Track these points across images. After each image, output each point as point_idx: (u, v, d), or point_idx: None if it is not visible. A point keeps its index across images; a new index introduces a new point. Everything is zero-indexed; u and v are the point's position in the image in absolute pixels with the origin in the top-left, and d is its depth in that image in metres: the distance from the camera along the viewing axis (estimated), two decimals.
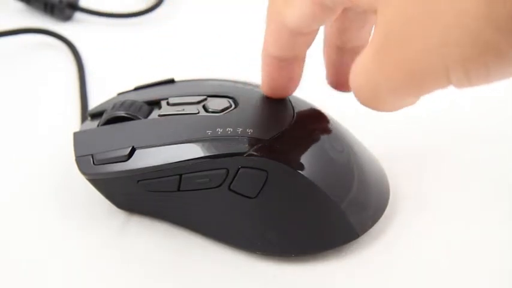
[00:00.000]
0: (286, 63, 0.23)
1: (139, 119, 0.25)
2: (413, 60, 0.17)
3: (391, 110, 0.19)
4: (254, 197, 0.22)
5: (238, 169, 0.22)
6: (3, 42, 0.36)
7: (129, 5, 0.40)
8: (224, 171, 0.22)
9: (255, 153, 0.22)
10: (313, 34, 0.23)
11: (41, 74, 0.34)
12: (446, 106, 0.30)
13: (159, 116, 0.24)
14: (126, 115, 0.25)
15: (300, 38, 0.22)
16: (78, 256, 0.24)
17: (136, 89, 0.28)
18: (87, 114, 0.28)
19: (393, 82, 0.18)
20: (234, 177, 0.22)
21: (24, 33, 0.36)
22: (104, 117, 0.25)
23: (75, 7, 0.38)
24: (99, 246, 0.24)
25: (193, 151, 0.22)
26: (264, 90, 0.25)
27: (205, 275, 0.23)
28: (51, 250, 0.24)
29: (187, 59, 0.36)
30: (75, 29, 0.38)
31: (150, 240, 0.24)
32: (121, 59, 0.36)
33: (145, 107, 0.25)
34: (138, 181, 0.23)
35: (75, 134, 0.25)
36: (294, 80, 0.24)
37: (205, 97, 0.25)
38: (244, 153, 0.22)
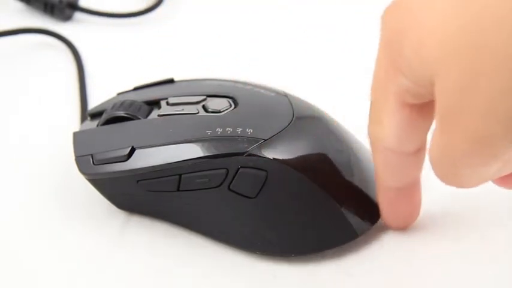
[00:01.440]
0: (402, 190, 0.23)
1: (138, 119, 0.25)
2: (476, 123, 0.16)
3: (472, 185, 0.19)
4: (254, 197, 0.22)
5: (238, 169, 0.22)
6: (3, 42, 0.36)
7: (129, 5, 0.40)
8: (224, 171, 0.22)
9: (254, 153, 0.22)
10: (421, 152, 0.22)
11: (41, 74, 0.34)
12: None
13: (159, 116, 0.24)
14: (125, 115, 0.25)
15: (409, 159, 0.21)
16: (78, 256, 0.24)
17: (136, 89, 0.28)
18: (86, 114, 0.28)
19: (462, 150, 0.17)
20: (234, 177, 0.22)
21: (24, 33, 0.36)
22: (104, 117, 0.25)
23: (75, 7, 0.38)
24: (99, 246, 0.24)
25: (192, 151, 0.22)
26: (388, 222, 0.23)
27: (205, 275, 0.23)
28: (50, 250, 0.24)
29: (187, 59, 0.36)
30: (75, 29, 0.38)
31: (150, 240, 0.24)
32: (121, 59, 0.36)
33: (145, 107, 0.25)
34: (138, 181, 0.23)
35: (75, 134, 0.25)
36: (413, 206, 0.24)
37: (204, 97, 0.25)
38: (243, 153, 0.22)
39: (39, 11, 0.39)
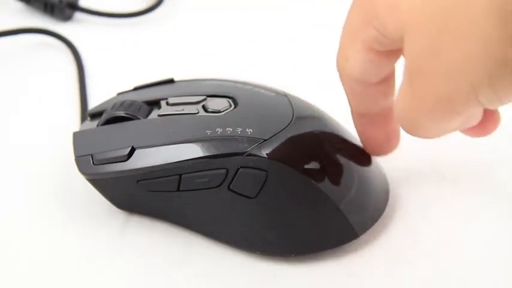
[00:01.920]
0: (375, 118, 0.24)
1: (138, 119, 0.25)
2: (442, 84, 0.18)
3: (434, 137, 0.20)
4: (254, 197, 0.22)
5: (238, 169, 0.22)
6: (3, 42, 0.36)
7: (129, 5, 0.40)
8: (224, 171, 0.22)
9: (254, 153, 0.22)
10: (388, 81, 0.23)
11: (41, 74, 0.34)
12: None
13: (159, 116, 0.24)
14: (125, 115, 0.25)
15: (375, 88, 0.23)
16: (78, 256, 0.24)
17: (136, 89, 0.28)
18: (86, 114, 0.28)
19: (427, 107, 0.19)
20: (234, 177, 0.22)
21: (24, 33, 0.36)
22: (104, 117, 0.25)
23: (75, 7, 0.38)
24: (99, 246, 0.24)
25: (192, 151, 0.22)
26: (365, 148, 0.25)
27: (205, 275, 0.23)
28: (50, 250, 0.24)
29: (187, 59, 0.36)
30: (75, 29, 0.38)
31: (150, 240, 0.24)
32: (121, 59, 0.36)
33: (145, 107, 0.25)
34: (138, 181, 0.23)
35: (75, 134, 0.25)
36: (389, 135, 0.25)
37: (204, 97, 0.25)
38: (243, 153, 0.22)
39: (39, 11, 0.39)
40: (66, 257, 0.24)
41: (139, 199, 0.24)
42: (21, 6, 0.39)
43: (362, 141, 0.25)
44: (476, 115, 0.20)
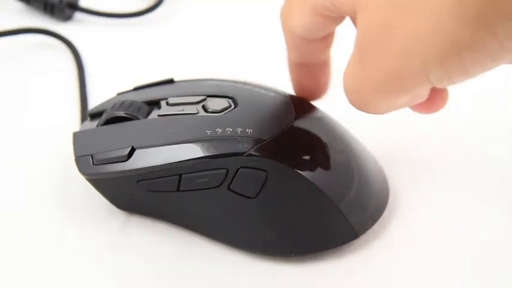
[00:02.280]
0: (310, 68, 0.24)
1: (138, 119, 0.25)
2: (392, 61, 0.17)
3: (381, 112, 0.20)
4: (254, 197, 0.22)
5: (238, 169, 0.22)
6: (3, 42, 0.36)
7: (129, 5, 0.40)
8: (224, 171, 0.22)
9: (254, 153, 0.22)
10: (328, 39, 0.23)
11: (41, 74, 0.34)
12: (446, 106, 0.30)
13: (159, 116, 0.24)
14: (125, 115, 0.25)
15: (314, 44, 0.23)
16: (77, 256, 0.24)
17: (136, 89, 0.28)
18: (86, 114, 0.28)
19: (376, 83, 0.18)
20: (234, 177, 0.22)
21: (24, 33, 0.36)
22: (104, 117, 0.25)
23: (75, 7, 0.38)
24: (99, 246, 0.24)
25: (192, 151, 0.22)
26: (296, 93, 0.26)
27: (205, 275, 0.23)
28: (50, 250, 0.24)
29: (187, 59, 0.36)
30: (75, 29, 0.38)
31: (150, 240, 0.24)
32: (121, 59, 0.36)
33: (145, 107, 0.25)
34: (138, 181, 0.23)
35: (75, 134, 0.25)
36: (320, 83, 0.25)
37: (204, 97, 0.25)
38: (243, 153, 0.22)
39: (39, 11, 0.39)
40: (66, 257, 0.24)
41: (139, 199, 0.24)
42: (21, 6, 0.39)
43: (294, 86, 0.25)
44: (424, 93, 0.19)
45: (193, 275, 0.23)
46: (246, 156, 0.22)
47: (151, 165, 0.23)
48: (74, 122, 0.30)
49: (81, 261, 0.23)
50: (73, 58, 0.35)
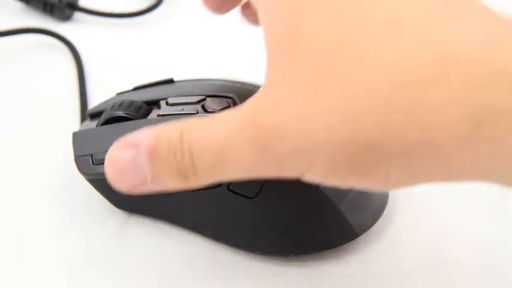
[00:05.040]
0: None
1: (138, 119, 0.25)
2: (284, 152, 0.17)
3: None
4: (253, 197, 0.22)
5: None
6: (3, 42, 0.35)
7: (129, 5, 0.40)
8: None
9: None
10: None
11: (40, 74, 0.34)
12: None
13: (158, 116, 0.24)
14: (124, 115, 0.25)
15: None
16: (78, 256, 0.24)
17: (136, 88, 0.28)
18: (86, 114, 0.28)
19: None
20: None
21: (23, 33, 0.36)
22: (103, 117, 0.25)
23: (74, 7, 0.38)
24: (99, 246, 0.24)
25: None
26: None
27: (205, 275, 0.23)
28: (51, 250, 0.24)
29: (187, 59, 0.35)
30: (74, 29, 0.37)
31: (150, 240, 0.24)
32: (121, 59, 0.36)
33: (145, 107, 0.25)
34: None
35: (74, 134, 0.25)
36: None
37: (204, 97, 0.25)
38: None
39: (39, 10, 0.38)
40: (66, 257, 0.24)
41: (139, 199, 0.24)
42: (20, 6, 0.39)
43: None
44: None
45: (193, 275, 0.23)
46: None
47: None
48: (73, 122, 0.30)
49: (81, 261, 0.23)
50: (72, 58, 0.35)
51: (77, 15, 0.39)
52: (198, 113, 0.24)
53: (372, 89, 0.16)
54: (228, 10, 0.25)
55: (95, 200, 0.25)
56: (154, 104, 0.25)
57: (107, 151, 0.23)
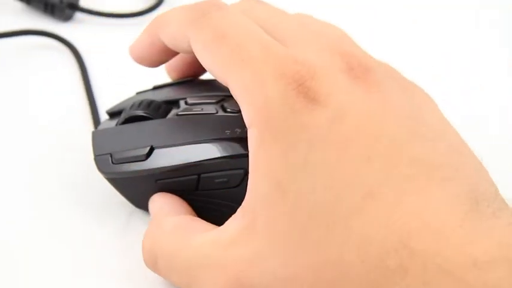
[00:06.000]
0: (169, 52, 0.25)
1: (157, 118, 0.24)
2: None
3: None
4: None
5: None
6: (4, 43, 0.35)
7: (130, 5, 0.39)
8: (242, 171, 0.22)
9: None
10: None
11: (43, 76, 0.34)
12: (447, 106, 0.30)
13: (178, 115, 0.24)
14: (144, 114, 0.25)
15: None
16: (82, 252, 0.24)
17: (155, 88, 0.27)
18: (97, 114, 0.28)
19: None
20: None
21: (24, 35, 0.36)
22: (123, 116, 0.25)
23: (75, 7, 0.38)
24: (103, 243, 0.24)
25: (211, 151, 0.22)
26: (133, 55, 0.26)
27: None
28: (56, 247, 0.24)
29: None
30: (75, 29, 0.37)
31: None
32: (122, 59, 0.35)
33: (164, 107, 0.25)
34: (157, 180, 0.23)
35: (94, 133, 0.26)
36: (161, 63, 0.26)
37: (223, 97, 0.24)
38: None
39: (40, 11, 0.38)
40: (70, 256, 0.24)
41: None
42: (21, 6, 0.39)
43: (137, 47, 0.26)
44: None
45: None
46: None
47: (170, 164, 0.23)
48: (78, 122, 0.30)
49: (83, 261, 0.23)
50: (75, 60, 0.35)
51: (78, 15, 0.39)
52: (217, 112, 0.23)
53: (340, 262, 0.17)
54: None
55: (94, 199, 0.26)
56: (173, 103, 0.25)
57: (126, 150, 0.23)
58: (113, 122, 0.26)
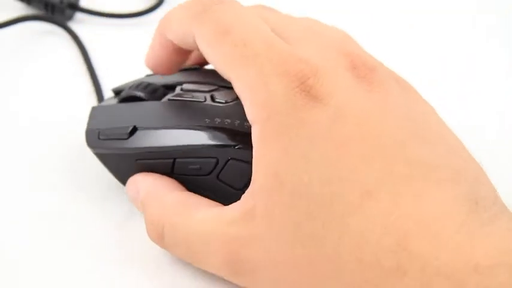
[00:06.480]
0: (181, 50, 0.25)
1: (152, 100, 0.25)
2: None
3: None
4: (240, 189, 0.22)
5: (228, 160, 0.22)
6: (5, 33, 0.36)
7: (130, 5, 0.40)
8: (214, 160, 0.22)
9: (245, 147, 0.22)
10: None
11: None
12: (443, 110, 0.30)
13: (169, 99, 0.25)
14: (138, 95, 0.25)
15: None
16: (84, 247, 0.25)
17: None
18: (111, 90, 0.29)
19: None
20: (223, 167, 0.22)
21: (25, 21, 0.36)
22: (121, 95, 0.26)
23: (75, 7, 0.38)
24: (98, 243, 0.25)
25: (187, 138, 0.23)
26: (149, 65, 0.27)
27: (204, 274, 0.23)
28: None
29: None
30: (75, 29, 0.38)
31: (149, 240, 0.24)
32: (122, 59, 0.36)
33: (161, 90, 0.26)
34: (136, 160, 0.24)
35: (93, 108, 0.27)
36: (180, 65, 0.27)
37: (217, 87, 0.25)
38: (235, 145, 0.22)
39: (40, 11, 0.39)
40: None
41: None
42: (21, 6, 0.39)
43: (152, 57, 0.27)
44: None
45: (193, 275, 0.23)
46: (236, 148, 0.22)
47: (147, 145, 0.23)
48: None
49: (80, 259, 0.24)
50: (75, 45, 0.35)
51: (78, 15, 0.39)
52: (205, 101, 0.24)
53: (335, 258, 0.18)
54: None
55: (93, 199, 0.26)
56: (171, 88, 0.26)
57: (112, 128, 0.24)
58: (115, 100, 0.27)
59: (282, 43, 0.21)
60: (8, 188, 0.27)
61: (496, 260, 0.16)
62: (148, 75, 0.28)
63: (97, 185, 0.27)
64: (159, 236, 0.22)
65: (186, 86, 0.25)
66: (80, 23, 0.39)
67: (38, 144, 0.29)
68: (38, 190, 0.27)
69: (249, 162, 0.21)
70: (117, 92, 0.28)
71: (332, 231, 0.18)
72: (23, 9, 0.39)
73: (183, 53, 0.25)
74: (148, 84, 0.26)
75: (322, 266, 0.18)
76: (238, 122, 0.22)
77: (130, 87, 0.26)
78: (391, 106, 0.20)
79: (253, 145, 0.20)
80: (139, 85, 0.26)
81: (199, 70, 0.28)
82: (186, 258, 0.22)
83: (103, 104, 0.27)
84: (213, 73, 0.26)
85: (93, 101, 0.32)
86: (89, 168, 0.27)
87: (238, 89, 0.21)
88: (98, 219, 0.25)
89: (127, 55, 0.36)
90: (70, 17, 0.39)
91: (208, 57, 0.22)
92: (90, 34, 0.37)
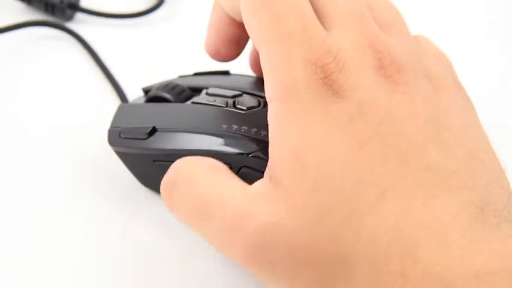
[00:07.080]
0: (236, 23, 0.24)
1: (177, 102, 0.25)
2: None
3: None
4: None
5: (240, 168, 0.22)
6: (8, 36, 0.36)
7: (131, 5, 0.40)
8: (227, 167, 0.22)
9: (259, 155, 0.22)
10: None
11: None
12: None
13: (192, 103, 0.25)
14: (164, 96, 0.26)
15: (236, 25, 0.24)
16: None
17: (196, 74, 0.29)
18: (141, 89, 0.29)
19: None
20: (236, 174, 0.22)
21: (30, 27, 0.36)
22: (149, 94, 0.27)
23: (76, 7, 0.38)
24: (100, 245, 0.24)
25: (203, 142, 0.23)
26: (208, 49, 0.25)
27: (205, 274, 0.23)
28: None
29: (189, 59, 0.35)
30: (76, 29, 0.38)
31: (150, 240, 0.24)
32: (123, 59, 0.36)
33: (187, 92, 0.26)
34: (154, 161, 0.24)
35: (120, 106, 0.27)
36: (239, 44, 0.25)
37: (241, 93, 0.25)
38: (249, 153, 0.22)
39: (40, 11, 0.39)
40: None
41: (156, 178, 0.24)
42: (21, 6, 0.39)
43: (211, 36, 0.25)
44: None
45: (193, 274, 0.23)
46: (250, 156, 0.22)
47: (163, 147, 0.23)
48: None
49: (80, 261, 0.23)
50: (83, 49, 0.35)
51: (78, 15, 0.39)
52: (226, 106, 0.24)
53: (350, 260, 0.17)
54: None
55: (97, 199, 0.26)
56: (198, 91, 0.26)
57: (133, 127, 0.24)
58: (142, 100, 0.27)
59: (317, 27, 0.20)
60: (8, 188, 0.27)
61: (497, 267, 0.16)
62: (181, 76, 0.29)
63: (99, 186, 0.27)
64: (169, 189, 0.21)
65: (211, 90, 0.25)
66: (80, 23, 0.39)
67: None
68: (38, 190, 0.27)
69: (262, 172, 0.21)
70: (146, 91, 0.28)
71: (349, 229, 0.17)
72: (23, 9, 0.39)
73: (237, 25, 0.24)
74: (176, 86, 0.26)
75: (336, 268, 0.17)
76: (256, 130, 0.22)
77: (157, 88, 0.27)
78: (412, 108, 0.20)
79: (269, 122, 0.20)
80: (166, 86, 0.26)
81: (231, 75, 0.28)
82: (191, 219, 0.21)
83: (130, 102, 0.28)
84: (241, 78, 0.26)
85: (113, 101, 0.32)
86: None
87: (264, 64, 0.20)
88: (99, 219, 0.25)
89: (127, 55, 0.36)
90: (70, 17, 0.39)
91: (246, 25, 0.21)
92: (91, 34, 0.37)
